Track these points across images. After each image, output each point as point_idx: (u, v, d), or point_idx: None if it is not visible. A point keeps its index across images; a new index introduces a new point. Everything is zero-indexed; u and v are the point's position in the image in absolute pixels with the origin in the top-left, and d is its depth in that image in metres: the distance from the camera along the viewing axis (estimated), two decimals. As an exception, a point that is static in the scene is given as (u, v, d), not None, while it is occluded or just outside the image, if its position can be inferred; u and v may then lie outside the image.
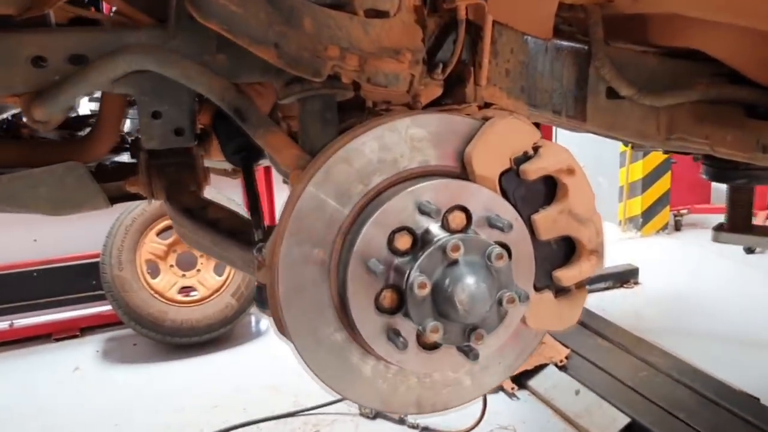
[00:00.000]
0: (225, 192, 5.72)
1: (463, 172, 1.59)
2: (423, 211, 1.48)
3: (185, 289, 6.10)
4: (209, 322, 6.03)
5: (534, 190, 1.62)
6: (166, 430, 4.84)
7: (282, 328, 1.57)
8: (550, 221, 1.59)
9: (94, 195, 2.00)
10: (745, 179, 2.56)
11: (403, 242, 1.49)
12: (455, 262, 1.44)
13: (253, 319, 6.60)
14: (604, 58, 2.14)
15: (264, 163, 2.57)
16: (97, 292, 6.14)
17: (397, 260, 1.49)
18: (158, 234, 5.97)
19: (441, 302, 1.43)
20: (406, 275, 1.44)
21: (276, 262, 1.52)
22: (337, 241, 1.53)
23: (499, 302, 1.45)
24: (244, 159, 2.14)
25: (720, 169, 2.58)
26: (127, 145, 2.56)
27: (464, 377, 1.64)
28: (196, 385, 5.48)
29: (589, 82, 2.24)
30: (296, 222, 1.50)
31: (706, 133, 2.27)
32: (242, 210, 5.91)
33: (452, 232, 1.51)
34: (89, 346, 6.21)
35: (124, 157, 2.56)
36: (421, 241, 1.50)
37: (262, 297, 1.61)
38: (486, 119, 1.60)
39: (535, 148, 1.59)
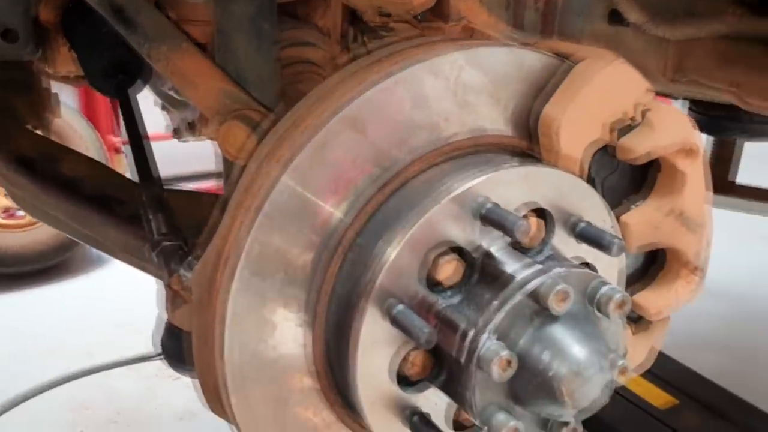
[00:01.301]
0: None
1: (530, 145, 0.96)
2: (488, 220, 0.85)
3: (9, 211, 5.07)
4: (42, 248, 5.07)
5: (627, 177, 1.03)
6: (-10, 383, 3.95)
7: (220, 407, 0.90)
8: (650, 226, 1.02)
9: None
10: (744, 133, 2.15)
11: (450, 272, 0.86)
12: (554, 319, 0.83)
13: (95, 244, 5.67)
14: None
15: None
16: None
17: (443, 304, 0.86)
18: (-29, 142, 4.82)
19: (527, 387, 0.82)
20: (468, 338, 0.82)
21: (219, 303, 0.84)
22: (332, 268, 0.87)
23: (604, 373, 0.87)
24: (121, 87, 1.35)
25: (714, 119, 2.14)
26: None
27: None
28: (27, 324, 4.57)
29: (589, 1, 1.69)
30: (260, 237, 0.82)
31: (736, 79, 1.78)
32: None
33: (521, 249, 0.90)
34: None
35: None
36: (481, 272, 0.87)
37: (177, 348, 0.93)
38: (562, 57, 0.97)
39: (644, 113, 0.98)
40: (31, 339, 4.31)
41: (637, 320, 1.12)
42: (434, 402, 0.91)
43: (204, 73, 1.10)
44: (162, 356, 1.00)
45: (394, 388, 0.88)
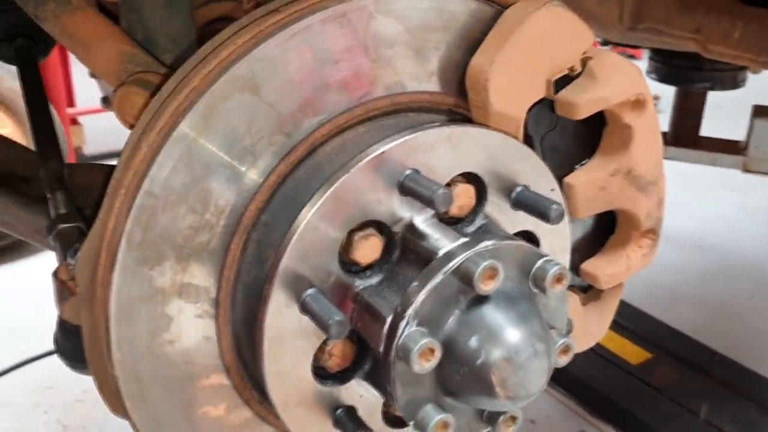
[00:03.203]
0: (7, 66, 4.40)
1: (458, 103, 0.86)
2: (406, 189, 0.75)
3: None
4: (-1, 227, 4.86)
5: (570, 135, 0.93)
6: (-51, 366, 3.84)
7: (118, 405, 0.80)
8: (596, 188, 0.93)
9: None
10: (708, 83, 2.05)
11: (368, 250, 0.76)
12: (483, 300, 0.73)
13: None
14: None
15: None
16: None
17: (360, 285, 0.76)
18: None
19: (456, 377, 0.73)
20: (386, 325, 0.72)
21: (104, 296, 0.73)
22: (234, 251, 0.76)
23: (544, 354, 0.78)
24: (22, 52, 1.21)
25: (676, 69, 2.04)
26: None
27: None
28: (-14, 305, 4.44)
29: None
30: (143, 220, 0.71)
31: (697, 25, 1.68)
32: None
33: (450, 221, 0.80)
34: None
35: None
36: (402, 248, 0.77)
37: (72, 345, 0.83)
38: (491, 2, 0.85)
39: (584, 61, 0.88)
40: (-10, 320, 4.19)
41: (587, 289, 1.04)
42: (360, 394, 0.82)
43: (99, 33, 0.98)
44: (64, 361, 0.90)
45: (312, 383, 0.79)
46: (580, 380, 2.92)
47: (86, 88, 5.38)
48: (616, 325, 3.30)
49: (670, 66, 2.05)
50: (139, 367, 0.75)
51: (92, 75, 1.95)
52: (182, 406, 0.79)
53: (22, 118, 4.46)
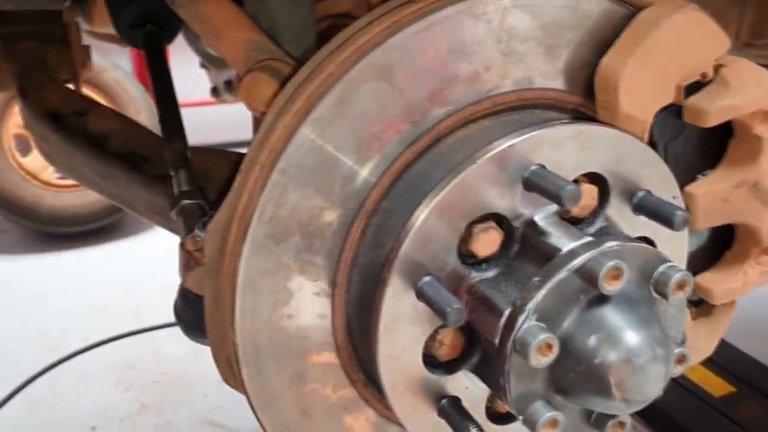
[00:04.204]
0: (110, 57, 4.62)
1: (583, 102, 0.85)
2: (532, 184, 0.75)
3: (65, 171, 5.10)
4: (95, 208, 5.10)
5: (694, 143, 0.91)
6: (41, 338, 4.04)
7: (234, 379, 0.84)
8: (717, 200, 0.90)
9: None
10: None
11: (487, 243, 0.76)
12: (604, 300, 0.73)
13: (148, 206, 5.70)
14: None
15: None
16: (-44, 172, 5.05)
17: (476, 277, 0.77)
18: (29, 103, 4.86)
19: (570, 375, 0.73)
20: (504, 318, 0.73)
21: (231, 267, 0.77)
22: (354, 233, 0.78)
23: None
24: (150, 38, 1.28)
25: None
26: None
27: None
28: (79, 283, 4.65)
29: None
30: (275, 196, 0.74)
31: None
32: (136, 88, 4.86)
33: (570, 220, 0.80)
34: (-53, 232, 5.24)
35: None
36: (521, 243, 0.77)
37: (192, 314, 0.86)
38: (625, 3, 0.84)
39: (717, 68, 0.86)
40: (82, 297, 4.37)
41: (698, 304, 1.01)
42: (465, 386, 0.82)
43: (230, 21, 1.02)
44: (184, 330, 0.94)
45: (421, 369, 0.80)
46: (657, 408, 2.83)
47: (180, 82, 5.58)
48: (699, 356, 3.16)
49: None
50: (258, 337, 0.78)
51: (202, 65, 2.04)
52: (293, 380, 0.82)
53: (124, 108, 4.67)
